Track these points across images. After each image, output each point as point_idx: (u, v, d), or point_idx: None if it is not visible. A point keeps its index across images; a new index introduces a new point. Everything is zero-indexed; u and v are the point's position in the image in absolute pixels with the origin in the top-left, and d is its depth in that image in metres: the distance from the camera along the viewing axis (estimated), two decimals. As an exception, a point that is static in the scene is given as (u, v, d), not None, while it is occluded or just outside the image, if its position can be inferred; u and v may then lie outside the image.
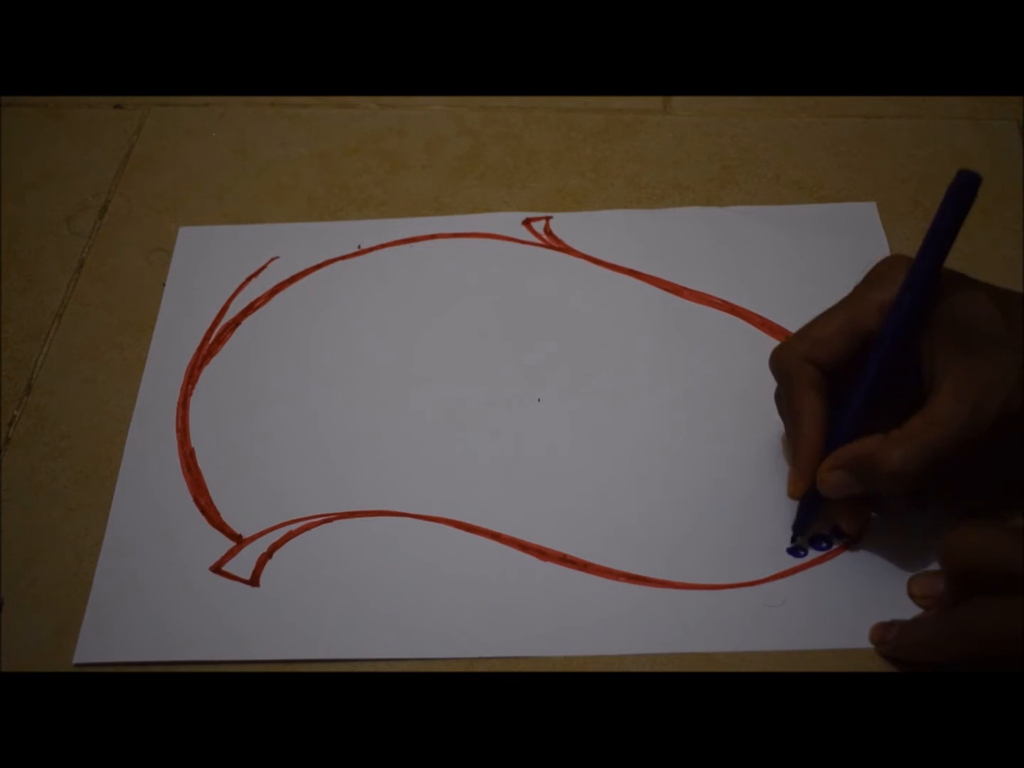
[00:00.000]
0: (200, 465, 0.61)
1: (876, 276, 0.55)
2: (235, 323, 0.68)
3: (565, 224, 0.71)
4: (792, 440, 0.56)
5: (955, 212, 0.53)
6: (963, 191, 0.53)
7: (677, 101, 0.78)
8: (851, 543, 0.56)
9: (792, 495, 0.56)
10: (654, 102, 0.79)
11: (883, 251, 0.68)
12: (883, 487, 0.53)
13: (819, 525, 0.57)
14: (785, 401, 0.56)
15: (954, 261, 0.68)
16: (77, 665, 0.54)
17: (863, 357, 0.54)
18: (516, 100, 0.79)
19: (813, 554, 0.57)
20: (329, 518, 0.59)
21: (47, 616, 0.56)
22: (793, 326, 0.64)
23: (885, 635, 0.53)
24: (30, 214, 0.74)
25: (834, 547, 0.57)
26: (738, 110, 0.78)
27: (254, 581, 0.57)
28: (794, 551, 0.57)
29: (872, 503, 0.56)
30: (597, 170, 0.75)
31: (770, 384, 0.58)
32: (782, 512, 0.58)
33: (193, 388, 0.65)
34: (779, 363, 0.56)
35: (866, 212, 0.71)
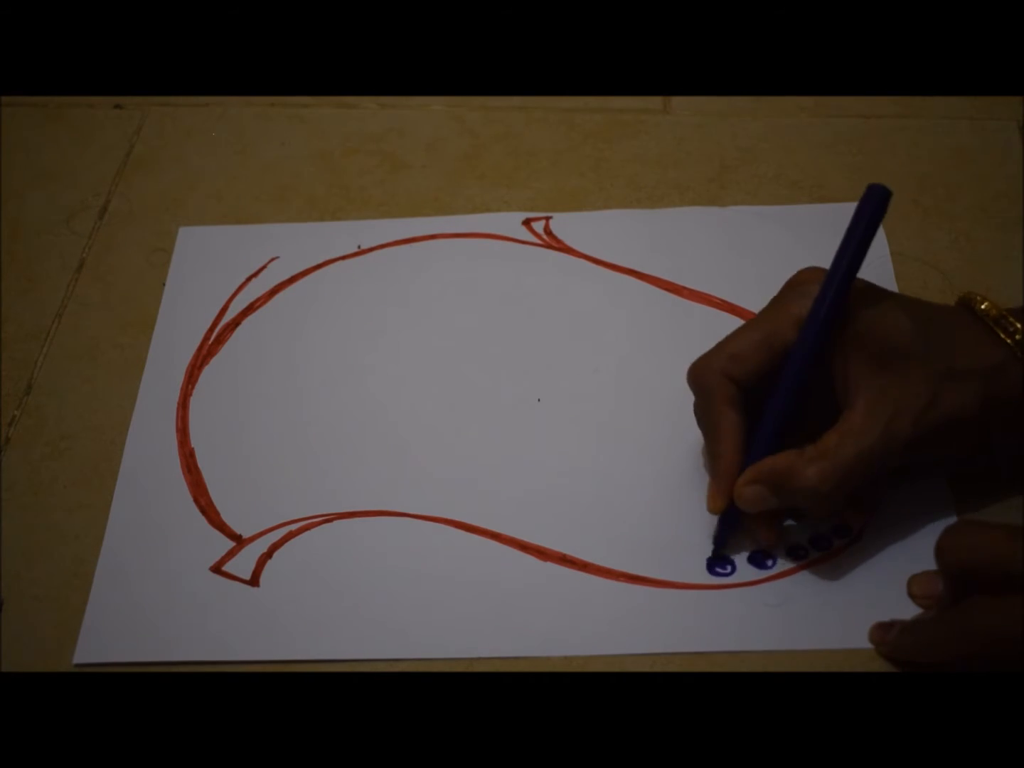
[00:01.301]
0: (200, 465, 0.61)
1: (791, 289, 0.55)
2: (235, 323, 0.68)
3: (565, 224, 0.71)
4: (710, 456, 0.56)
5: (865, 226, 0.53)
6: (873, 206, 0.53)
7: (677, 101, 0.78)
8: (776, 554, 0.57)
9: (712, 510, 0.56)
10: (654, 102, 0.79)
11: (882, 251, 0.68)
12: (798, 502, 0.54)
13: (743, 539, 0.57)
14: (703, 417, 0.56)
15: (954, 260, 0.68)
16: (77, 665, 0.54)
17: (780, 371, 0.54)
18: (516, 100, 0.79)
19: (813, 554, 0.57)
20: (329, 518, 0.59)
21: (47, 616, 0.56)
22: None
23: (885, 635, 0.53)
24: (30, 214, 0.74)
25: (834, 547, 0.57)
26: (738, 110, 0.78)
27: (254, 581, 0.57)
28: (716, 564, 0.56)
29: (789, 512, 0.57)
30: (597, 170, 0.75)
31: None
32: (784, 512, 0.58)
33: (193, 388, 0.65)
34: (697, 379, 0.56)
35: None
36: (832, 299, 0.53)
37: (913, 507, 0.58)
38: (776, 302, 0.56)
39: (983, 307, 0.54)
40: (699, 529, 0.58)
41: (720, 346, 0.56)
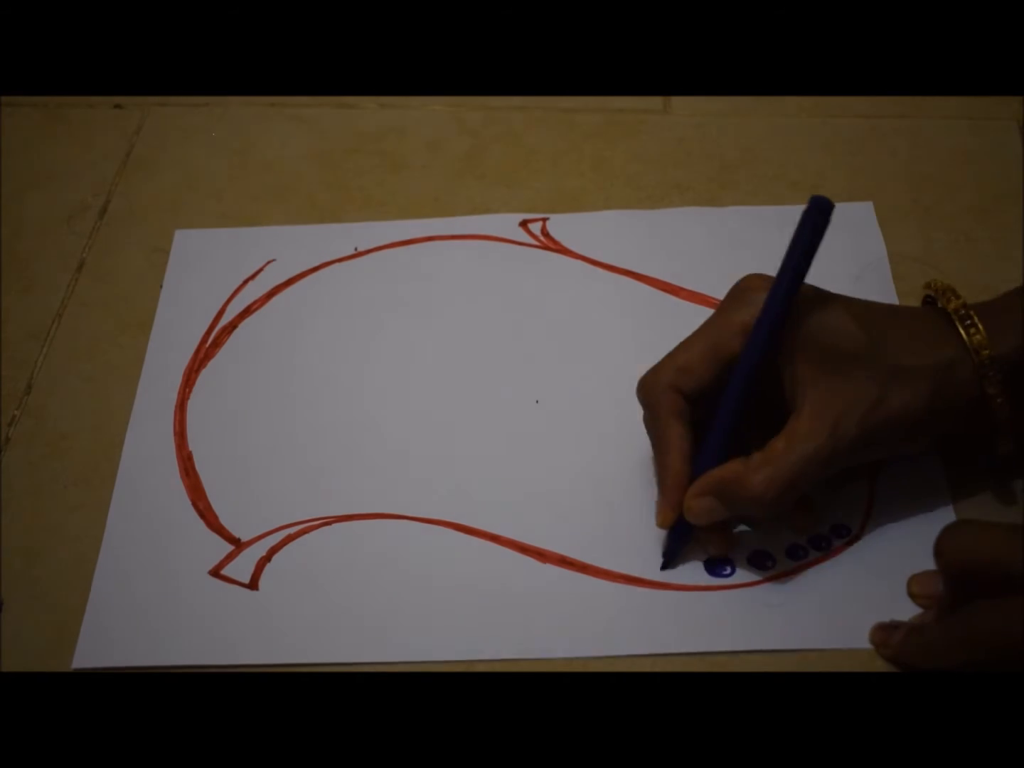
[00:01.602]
0: (198, 468, 0.61)
1: (735, 298, 0.55)
2: (232, 326, 0.67)
3: (562, 225, 0.71)
4: (658, 469, 0.56)
5: (810, 237, 0.53)
6: (817, 217, 0.53)
7: (677, 101, 0.78)
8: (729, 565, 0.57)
9: (661, 525, 0.56)
10: (654, 102, 0.79)
11: (880, 250, 0.68)
12: (747, 511, 0.54)
13: (697, 549, 0.57)
14: (651, 431, 0.56)
15: (954, 260, 0.68)
16: (76, 669, 0.54)
17: (727, 380, 0.54)
18: (516, 100, 0.79)
19: (813, 554, 0.57)
20: (328, 521, 0.59)
21: (47, 616, 0.56)
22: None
23: (887, 638, 0.53)
24: (30, 214, 0.74)
25: (834, 547, 0.57)
26: (738, 110, 0.78)
27: (253, 585, 0.57)
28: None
29: (741, 518, 0.57)
30: (597, 170, 0.75)
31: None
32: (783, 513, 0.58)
33: (190, 391, 0.65)
34: (645, 393, 0.56)
35: (863, 212, 0.71)
36: (778, 309, 0.53)
37: (913, 507, 0.58)
38: (721, 311, 0.56)
39: (951, 306, 0.54)
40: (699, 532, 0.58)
41: (668, 359, 0.56)
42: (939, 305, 0.55)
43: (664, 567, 0.57)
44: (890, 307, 0.56)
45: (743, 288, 0.56)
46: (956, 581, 0.50)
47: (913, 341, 0.54)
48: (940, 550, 0.49)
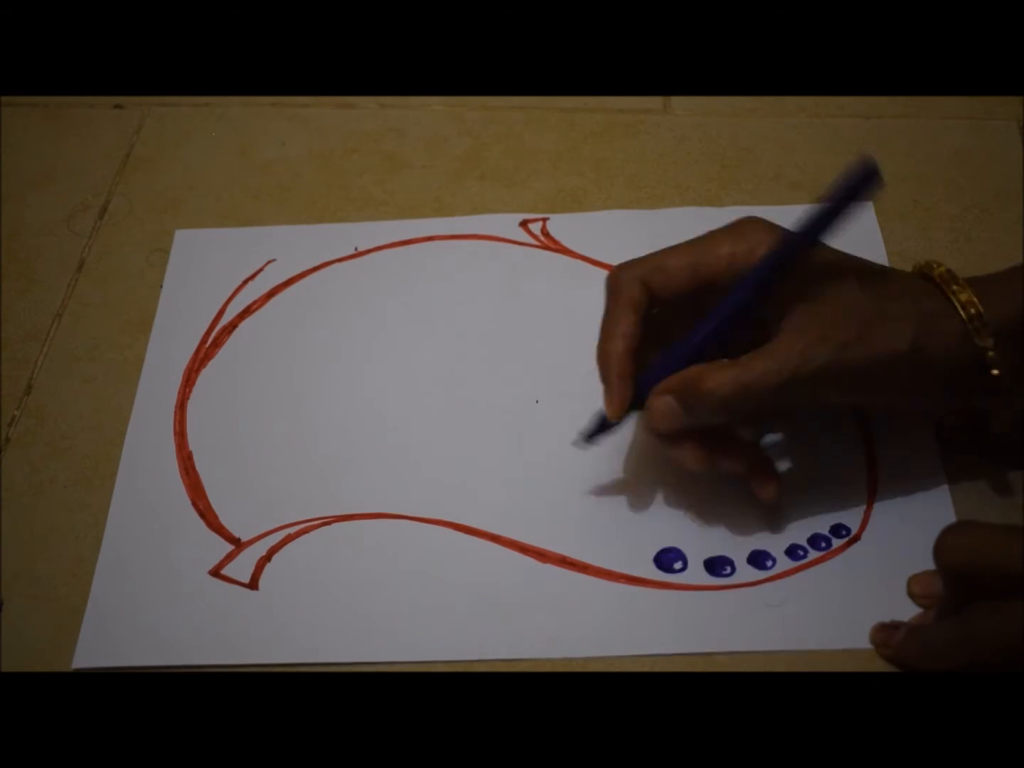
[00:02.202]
0: (198, 468, 0.61)
1: (729, 230, 0.55)
2: (232, 326, 0.67)
3: (562, 225, 0.71)
4: (600, 356, 0.56)
5: (847, 194, 0.53)
6: (864, 179, 0.53)
7: (677, 101, 0.78)
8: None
9: (612, 417, 0.55)
10: (654, 102, 0.79)
11: (879, 250, 0.68)
12: (702, 412, 0.53)
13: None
14: (604, 317, 0.56)
15: (954, 260, 0.68)
16: (76, 669, 0.54)
17: (696, 301, 0.54)
18: (516, 100, 0.79)
19: (813, 554, 0.57)
20: (328, 521, 0.59)
21: (47, 616, 0.56)
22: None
23: (888, 638, 0.53)
24: (30, 214, 0.74)
25: (834, 547, 0.57)
26: (738, 110, 0.78)
27: (253, 584, 0.57)
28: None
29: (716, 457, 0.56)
30: (597, 170, 0.75)
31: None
32: (784, 514, 0.58)
33: (191, 391, 0.65)
34: (613, 279, 0.56)
35: (863, 212, 0.70)
36: (793, 252, 0.53)
37: (913, 507, 0.58)
38: (710, 236, 0.56)
39: (952, 288, 0.54)
40: (699, 532, 0.58)
41: (647, 256, 0.56)
42: (925, 273, 0.55)
43: (584, 439, 0.57)
44: (883, 267, 0.56)
45: (741, 224, 0.55)
46: (955, 582, 0.50)
47: (903, 292, 0.54)
48: (939, 551, 0.49)
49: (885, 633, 0.53)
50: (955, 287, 0.54)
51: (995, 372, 0.53)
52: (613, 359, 0.55)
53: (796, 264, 0.53)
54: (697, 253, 0.55)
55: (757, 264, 0.53)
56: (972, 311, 0.53)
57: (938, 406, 0.58)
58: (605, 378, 0.55)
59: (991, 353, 0.53)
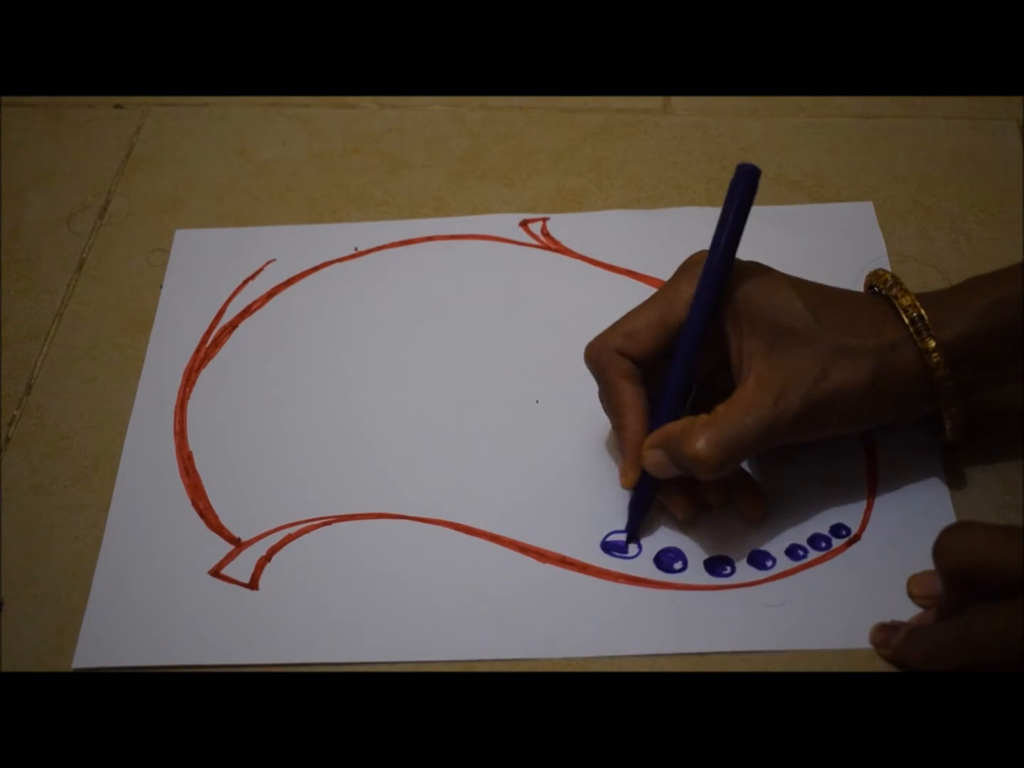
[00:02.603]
0: (198, 468, 0.61)
1: (684, 271, 0.57)
2: (232, 326, 0.68)
3: (562, 225, 0.71)
4: (617, 431, 0.57)
5: (738, 204, 0.54)
6: (743, 184, 0.54)
7: (677, 101, 0.78)
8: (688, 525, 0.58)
9: (625, 485, 0.57)
10: (654, 102, 0.78)
11: (879, 250, 0.68)
12: (690, 469, 0.54)
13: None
14: (604, 395, 0.57)
15: (954, 260, 0.68)
16: (76, 669, 0.54)
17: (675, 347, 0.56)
18: (516, 100, 0.79)
19: (813, 554, 0.57)
20: (328, 521, 0.59)
21: (47, 616, 0.56)
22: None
23: (888, 638, 0.53)
24: (30, 214, 0.74)
25: (834, 547, 0.57)
26: (738, 110, 0.78)
27: (253, 585, 0.57)
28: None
29: (702, 494, 0.57)
30: (597, 170, 0.75)
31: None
32: (784, 512, 0.58)
33: (191, 391, 0.65)
34: (593, 358, 0.57)
35: (863, 212, 0.71)
36: (714, 277, 0.54)
37: (913, 507, 0.58)
38: (670, 282, 0.57)
39: (893, 291, 0.55)
40: (699, 532, 0.58)
41: (616, 325, 0.57)
42: (883, 294, 0.56)
43: (628, 540, 0.57)
44: (837, 290, 0.57)
45: (692, 262, 0.57)
46: (955, 582, 0.50)
47: (857, 322, 0.55)
48: (939, 552, 0.49)
49: (885, 633, 0.53)
50: (896, 291, 0.55)
51: (944, 388, 0.54)
52: (630, 432, 0.56)
53: (740, 287, 0.54)
54: (660, 305, 0.56)
55: (693, 299, 0.55)
56: (914, 314, 0.54)
57: (906, 420, 0.59)
58: (623, 450, 0.57)
59: (948, 384, 0.54)
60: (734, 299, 0.54)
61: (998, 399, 0.59)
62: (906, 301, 0.54)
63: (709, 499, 0.57)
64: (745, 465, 0.59)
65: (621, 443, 0.57)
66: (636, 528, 0.57)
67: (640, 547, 0.57)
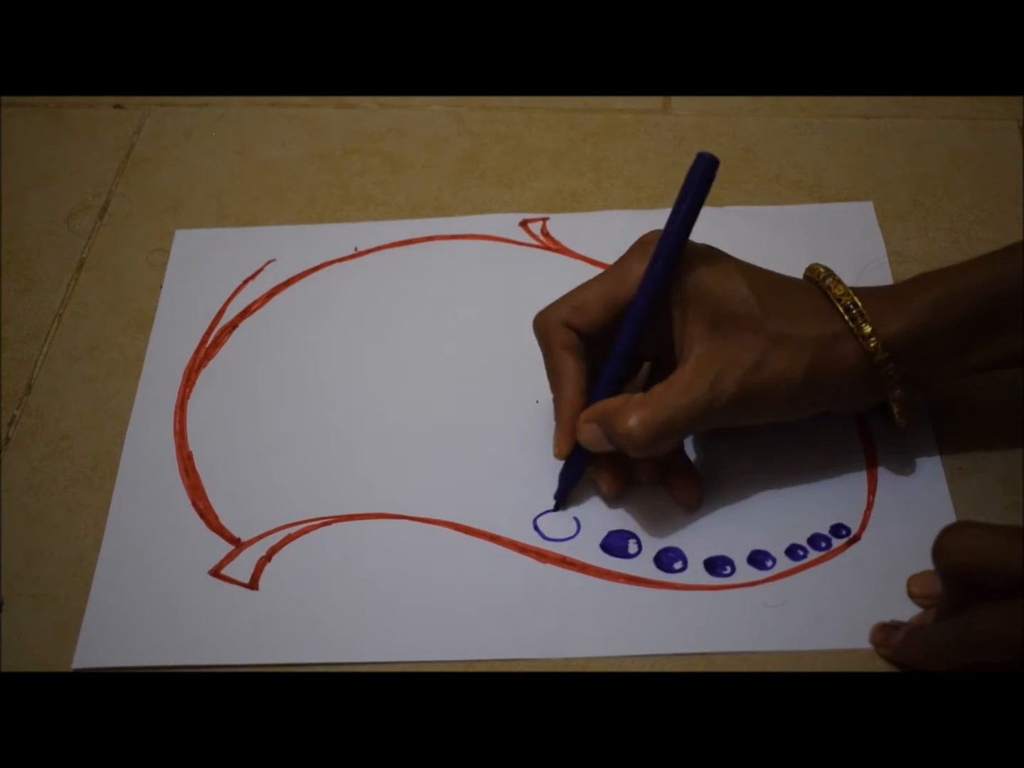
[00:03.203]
0: (198, 468, 0.61)
1: (637, 249, 0.57)
2: (232, 326, 0.68)
3: (562, 225, 0.71)
4: (555, 402, 0.58)
5: (695, 190, 0.55)
6: (703, 171, 0.55)
7: (677, 101, 0.78)
8: (612, 502, 0.59)
9: (557, 455, 0.58)
10: (654, 102, 0.79)
11: (879, 250, 0.68)
12: (623, 447, 0.54)
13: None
14: (547, 365, 0.58)
15: (954, 260, 0.68)
16: (76, 669, 0.54)
17: (621, 323, 0.56)
18: (516, 100, 0.79)
19: (813, 554, 0.57)
20: (327, 521, 0.59)
21: (47, 616, 0.56)
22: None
23: (887, 638, 0.53)
24: (30, 214, 0.74)
25: (834, 547, 0.57)
26: (738, 110, 0.78)
27: (253, 584, 0.57)
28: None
29: (634, 471, 0.58)
30: (597, 170, 0.75)
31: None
32: (784, 512, 0.58)
33: (191, 391, 0.65)
34: (540, 327, 0.58)
35: (863, 211, 0.71)
36: (665, 259, 0.55)
37: (913, 507, 0.58)
38: (622, 260, 0.57)
39: (827, 282, 0.56)
40: (699, 532, 0.58)
41: (565, 297, 0.58)
42: (821, 288, 0.56)
43: (556, 508, 0.58)
44: (788, 279, 0.57)
45: (644, 241, 0.57)
46: (955, 583, 0.50)
47: (801, 312, 0.55)
48: (938, 552, 0.49)
49: (885, 633, 0.53)
50: (829, 282, 0.55)
51: (885, 371, 0.55)
52: (566, 403, 0.57)
53: (688, 269, 0.55)
54: (611, 281, 0.57)
55: (643, 278, 0.55)
56: (848, 302, 0.54)
57: (850, 410, 0.59)
58: (558, 420, 0.58)
59: (891, 376, 0.55)
60: (683, 282, 0.55)
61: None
62: (839, 291, 0.55)
63: (640, 476, 0.58)
64: (731, 459, 0.60)
65: (557, 414, 0.58)
66: (564, 497, 0.58)
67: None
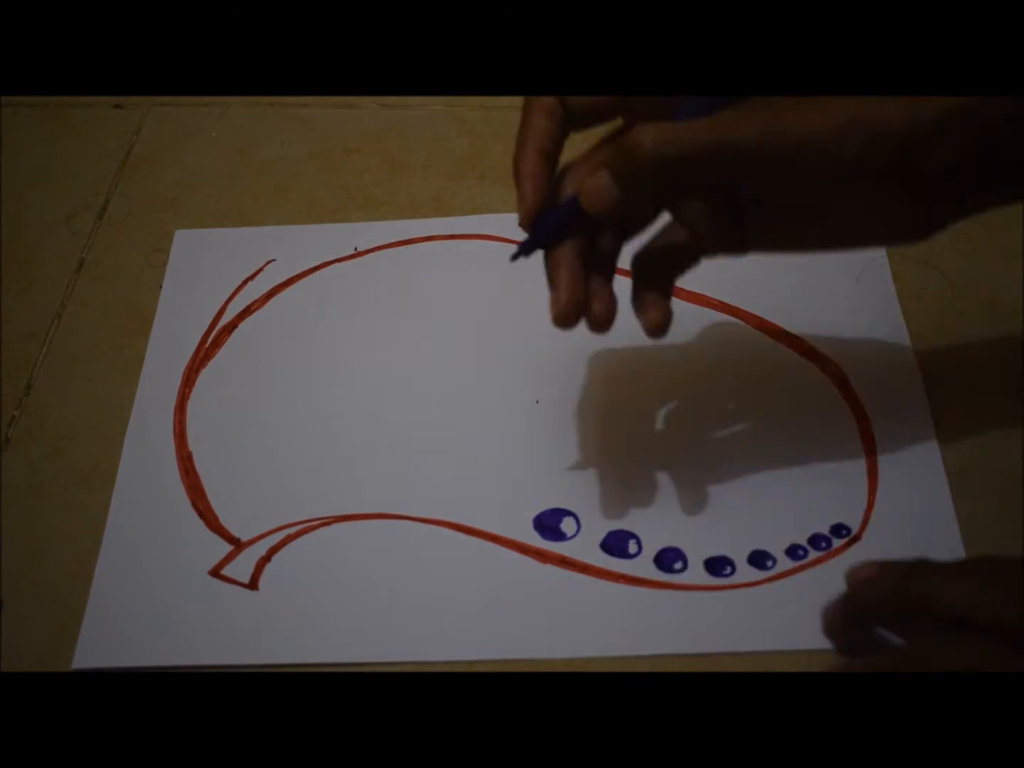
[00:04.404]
0: (198, 468, 0.61)
1: None
2: (232, 326, 0.68)
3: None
4: (513, 162, 0.54)
5: None
6: None
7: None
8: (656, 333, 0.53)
9: (521, 219, 0.53)
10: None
11: (880, 250, 0.68)
12: (638, 176, 0.51)
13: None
14: (520, 128, 0.55)
15: (954, 260, 0.68)
16: (76, 669, 0.54)
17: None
18: (516, 100, 0.79)
19: (813, 554, 0.57)
20: (327, 521, 0.59)
21: (47, 617, 0.56)
22: (791, 326, 0.65)
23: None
24: (30, 214, 0.74)
25: (834, 547, 0.57)
26: (738, 110, 0.77)
27: (253, 585, 0.57)
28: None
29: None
30: (597, 170, 0.74)
31: (773, 382, 0.58)
32: (784, 512, 0.58)
33: (190, 391, 0.65)
34: (528, 99, 0.55)
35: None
36: None
37: (912, 507, 0.58)
38: None
39: None
40: (699, 532, 0.58)
41: None
42: None
43: (514, 256, 0.54)
44: None
45: None
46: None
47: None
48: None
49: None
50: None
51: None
52: (523, 159, 0.53)
53: None
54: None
55: None
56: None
57: (874, 202, 0.53)
58: (516, 181, 0.53)
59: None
60: None
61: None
62: None
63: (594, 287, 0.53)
64: (731, 459, 0.59)
65: (516, 175, 0.53)
66: (532, 249, 0.54)
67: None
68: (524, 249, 0.53)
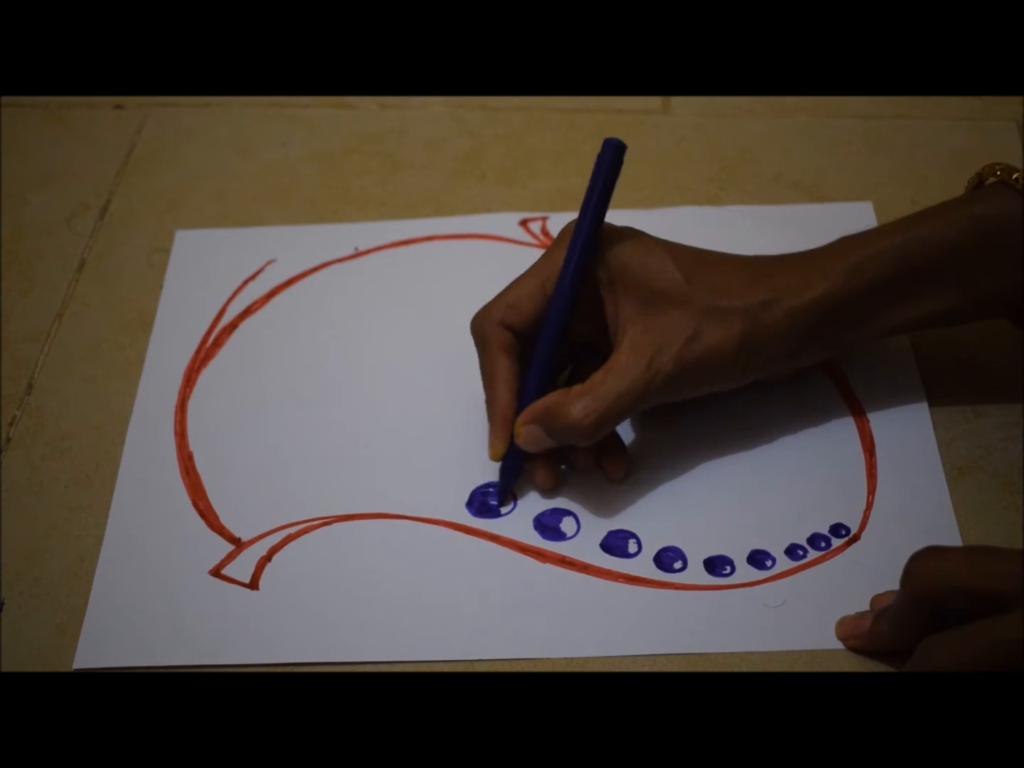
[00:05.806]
0: (198, 468, 0.61)
1: (559, 239, 0.58)
2: (232, 326, 0.68)
3: (562, 224, 0.71)
4: (487, 403, 0.58)
5: (605, 175, 0.57)
6: (611, 156, 0.57)
7: (677, 101, 0.79)
8: (550, 493, 0.59)
9: (492, 457, 0.58)
10: (654, 102, 0.79)
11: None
12: (568, 439, 0.56)
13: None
14: (482, 365, 0.58)
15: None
16: (77, 669, 0.54)
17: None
18: (516, 100, 0.79)
19: (813, 554, 0.57)
20: (328, 521, 0.59)
21: (47, 616, 0.56)
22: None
23: (857, 628, 0.53)
24: (30, 214, 0.74)
25: (834, 547, 0.57)
26: (738, 110, 0.78)
27: (253, 584, 0.57)
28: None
29: (563, 459, 0.59)
30: (597, 170, 0.75)
31: (772, 382, 0.58)
32: (784, 512, 0.58)
33: (191, 391, 0.65)
34: (475, 328, 0.59)
35: (862, 212, 0.71)
36: (581, 244, 0.56)
37: (913, 507, 0.58)
38: (549, 250, 0.58)
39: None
40: (699, 531, 0.58)
41: (499, 296, 0.59)
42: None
43: (499, 504, 0.59)
44: (712, 253, 0.58)
45: (566, 230, 0.58)
46: (924, 607, 0.49)
47: (729, 284, 0.56)
48: (908, 577, 0.49)
49: (853, 624, 0.53)
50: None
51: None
52: (499, 405, 0.58)
53: (614, 253, 0.56)
54: (540, 273, 0.58)
55: (562, 266, 0.56)
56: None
57: (780, 375, 0.59)
58: (492, 421, 0.58)
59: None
60: (608, 263, 0.56)
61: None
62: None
63: (577, 464, 0.59)
64: (731, 459, 0.60)
65: (490, 415, 0.58)
66: (505, 494, 0.59)
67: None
68: (503, 493, 0.59)
